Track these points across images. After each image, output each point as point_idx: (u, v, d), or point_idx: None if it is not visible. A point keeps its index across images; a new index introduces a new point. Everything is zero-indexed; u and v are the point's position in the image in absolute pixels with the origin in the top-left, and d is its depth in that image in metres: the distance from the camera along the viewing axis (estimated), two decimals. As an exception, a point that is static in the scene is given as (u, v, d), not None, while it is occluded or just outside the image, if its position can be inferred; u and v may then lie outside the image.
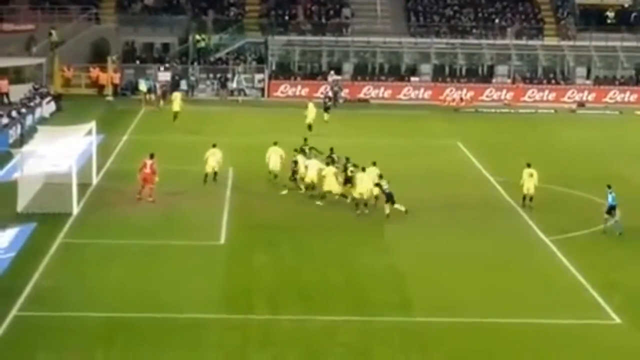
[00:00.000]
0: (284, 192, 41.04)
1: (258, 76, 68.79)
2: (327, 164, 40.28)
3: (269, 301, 29.02)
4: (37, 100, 57.87)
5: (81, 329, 26.45)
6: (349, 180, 39.36)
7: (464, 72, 70.86)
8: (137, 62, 69.08)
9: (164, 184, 39.70)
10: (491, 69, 71.00)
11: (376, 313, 28.05)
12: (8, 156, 44.64)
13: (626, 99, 69.61)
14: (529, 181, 39.48)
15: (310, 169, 40.20)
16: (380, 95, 68.81)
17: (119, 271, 31.18)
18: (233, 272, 31.58)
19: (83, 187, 39.18)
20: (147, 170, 38.85)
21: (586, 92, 69.72)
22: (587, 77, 71.03)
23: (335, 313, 28.00)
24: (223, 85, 67.85)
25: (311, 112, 54.66)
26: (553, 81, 70.44)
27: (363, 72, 70.23)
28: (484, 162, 47.93)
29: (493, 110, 66.72)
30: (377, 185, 38.01)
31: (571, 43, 72.34)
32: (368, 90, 68.92)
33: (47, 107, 58.79)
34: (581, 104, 68.76)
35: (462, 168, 47.51)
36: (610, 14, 75.00)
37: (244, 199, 40.40)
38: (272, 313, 28.02)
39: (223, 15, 72.83)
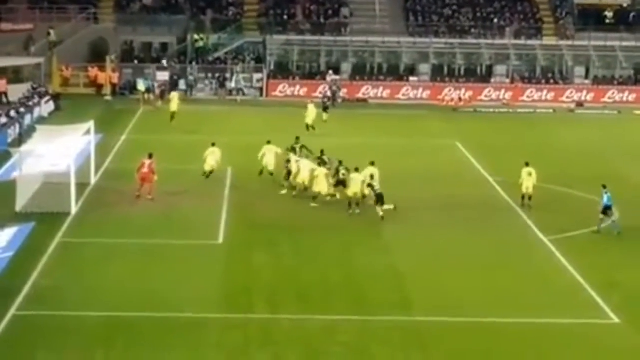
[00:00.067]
0: (284, 191, 41.02)
1: (257, 76, 68.75)
2: (319, 165, 40.28)
3: (268, 300, 29.02)
4: (36, 99, 57.85)
5: (80, 328, 26.44)
6: (340, 183, 39.31)
7: (462, 72, 70.82)
8: (136, 61, 69.03)
9: (163, 183, 39.70)
10: (490, 68, 70.98)
11: (376, 312, 28.05)
12: (7, 155, 44.61)
13: (625, 99, 69.59)
14: (528, 180, 39.48)
15: (303, 169, 40.15)
16: (379, 95, 68.77)
17: (117, 270, 31.17)
18: (232, 271, 31.59)
19: (81, 186, 39.17)
20: (145, 170, 38.87)
21: (585, 92, 69.70)
22: (586, 77, 71.01)
23: (335, 312, 28.00)
24: (222, 84, 67.81)
25: (311, 112, 54.64)
26: (552, 81, 70.41)
27: (362, 72, 70.19)
28: (482, 162, 47.92)
29: (492, 110, 66.71)
30: (369, 185, 38.00)
31: (570, 43, 72.34)
32: (367, 90, 68.88)
33: (46, 107, 58.75)
34: (580, 104, 68.76)
35: (460, 168, 47.49)
36: (609, 14, 74.97)
37: (243, 198, 40.39)
38: (272, 312, 28.02)
39: (222, 15, 72.81)
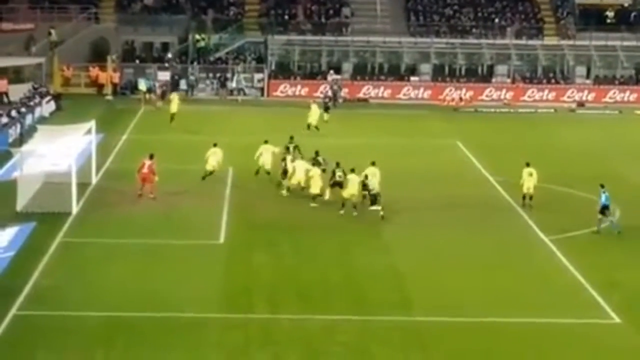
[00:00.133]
0: (284, 192, 41.00)
1: (257, 76, 68.78)
2: (313, 165, 40.26)
3: (268, 300, 29.03)
4: (37, 99, 57.87)
5: (81, 328, 26.44)
6: (337, 184, 39.24)
7: (463, 71, 70.83)
8: (137, 61, 69.08)
9: (164, 183, 39.71)
10: (491, 68, 70.98)
11: (376, 312, 28.04)
12: (7, 155, 44.57)
13: (626, 99, 69.59)
14: (529, 180, 39.48)
15: (298, 170, 40.12)
16: (380, 94, 68.77)
17: (118, 270, 31.17)
18: (233, 271, 31.59)
19: (82, 186, 39.18)
20: (145, 170, 38.90)
21: (586, 92, 69.71)
22: (587, 77, 71.02)
23: (335, 312, 28.00)
24: (222, 84, 67.83)
25: (314, 112, 54.64)
26: (553, 81, 70.42)
27: (363, 72, 70.21)
28: (483, 162, 47.92)
29: (493, 110, 66.71)
30: (364, 185, 37.93)
31: (571, 43, 72.31)
32: (367, 90, 68.89)
33: (47, 107, 58.78)
34: (581, 104, 68.75)
35: (461, 168, 47.49)
36: (610, 14, 74.95)
37: (244, 198, 40.40)
38: (272, 312, 28.03)
39: (223, 15, 72.82)
